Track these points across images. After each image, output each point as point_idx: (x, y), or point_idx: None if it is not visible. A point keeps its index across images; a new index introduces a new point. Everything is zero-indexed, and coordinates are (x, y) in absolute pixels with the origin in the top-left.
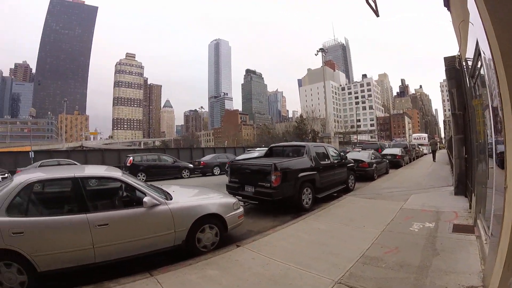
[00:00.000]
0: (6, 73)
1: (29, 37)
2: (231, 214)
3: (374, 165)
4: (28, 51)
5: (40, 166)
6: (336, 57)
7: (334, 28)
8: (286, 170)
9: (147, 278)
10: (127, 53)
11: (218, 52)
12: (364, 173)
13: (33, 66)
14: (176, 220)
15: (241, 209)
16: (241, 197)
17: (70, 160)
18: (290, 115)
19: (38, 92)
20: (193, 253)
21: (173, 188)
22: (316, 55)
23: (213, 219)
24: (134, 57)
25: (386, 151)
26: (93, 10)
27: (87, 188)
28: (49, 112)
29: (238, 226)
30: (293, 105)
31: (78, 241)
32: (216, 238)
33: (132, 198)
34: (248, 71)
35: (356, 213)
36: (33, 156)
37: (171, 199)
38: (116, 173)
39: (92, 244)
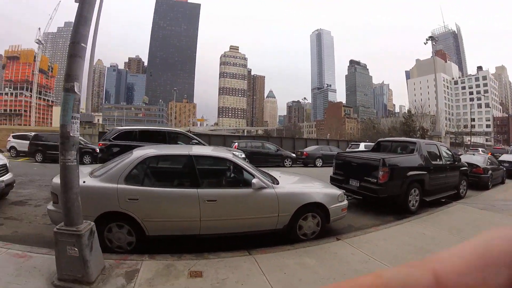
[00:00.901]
0: (121, 66)
1: (140, 34)
2: (335, 205)
3: (490, 171)
4: (139, 46)
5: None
6: (447, 46)
7: (443, 13)
8: (394, 167)
9: (246, 256)
10: (231, 46)
11: (320, 43)
12: (478, 180)
13: (145, 59)
14: (281, 204)
15: (346, 202)
16: (344, 191)
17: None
18: (397, 109)
19: (150, 82)
20: (292, 239)
21: (278, 173)
22: (425, 44)
23: (316, 208)
24: (238, 49)
25: (504, 157)
26: (196, 7)
27: (198, 166)
28: (160, 100)
29: (340, 219)
30: (400, 99)
31: (187, 212)
32: (317, 227)
33: (240, 179)
34: (352, 62)
35: (465, 224)
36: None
37: (277, 183)
38: (227, 154)
39: (199, 217)
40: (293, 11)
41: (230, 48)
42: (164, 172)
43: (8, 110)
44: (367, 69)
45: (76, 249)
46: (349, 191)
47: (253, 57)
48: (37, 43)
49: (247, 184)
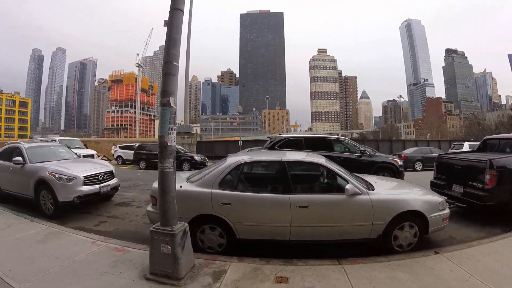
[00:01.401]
0: (215, 80)
1: (229, 49)
2: (435, 214)
3: None
4: (230, 60)
5: (248, 151)
6: None
7: None
8: (503, 169)
9: (335, 265)
10: (318, 49)
11: (411, 34)
12: None
13: (236, 71)
14: (376, 212)
15: (447, 211)
16: (446, 197)
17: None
18: (503, 101)
19: (243, 93)
20: (386, 250)
21: (374, 178)
22: None
23: (414, 217)
24: (326, 52)
25: None
26: (279, 16)
27: (291, 171)
28: (253, 109)
29: (441, 229)
30: (506, 89)
31: (278, 218)
32: (413, 238)
33: (333, 185)
34: (448, 51)
35: None
36: (241, 144)
37: (372, 189)
38: (320, 159)
39: (290, 222)
40: (377, 3)
41: (318, 52)
42: (257, 177)
43: (115, 125)
44: (466, 57)
45: (169, 247)
46: (452, 198)
47: (342, 57)
48: (137, 66)
49: (341, 190)
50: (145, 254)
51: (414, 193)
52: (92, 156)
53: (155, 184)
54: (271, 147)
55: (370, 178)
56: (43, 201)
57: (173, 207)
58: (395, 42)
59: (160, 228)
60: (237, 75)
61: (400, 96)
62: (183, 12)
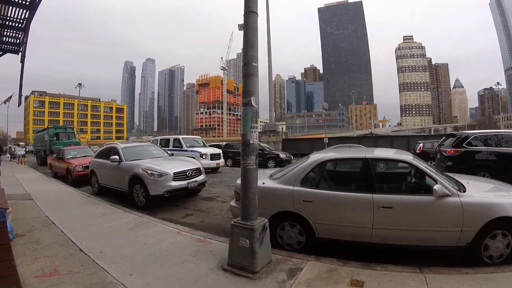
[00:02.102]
0: (298, 77)
1: (310, 44)
2: None
3: None
4: (313, 56)
5: (334, 149)
6: None
7: None
8: None
9: (416, 273)
10: (404, 36)
11: (502, 11)
12: None
13: (319, 67)
14: (466, 217)
15: None
16: None
17: (359, 145)
18: None
19: (327, 88)
20: (473, 261)
21: (468, 179)
22: None
23: (509, 225)
24: (412, 39)
25: None
26: (359, 5)
27: (375, 170)
28: (339, 104)
29: None
30: None
31: (359, 218)
32: (506, 250)
33: (420, 185)
34: None
35: None
36: (327, 141)
37: (464, 191)
38: (407, 157)
39: (372, 224)
40: None
41: (403, 39)
42: (339, 175)
43: (204, 125)
44: None
45: (247, 241)
46: None
47: (430, 44)
48: (221, 69)
49: (428, 190)
50: (225, 246)
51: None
52: (218, 155)
53: (239, 181)
54: (458, 145)
55: (463, 179)
56: (136, 194)
57: (254, 203)
58: (486, 21)
59: (240, 222)
60: (321, 71)
61: (497, 83)
62: (257, 14)
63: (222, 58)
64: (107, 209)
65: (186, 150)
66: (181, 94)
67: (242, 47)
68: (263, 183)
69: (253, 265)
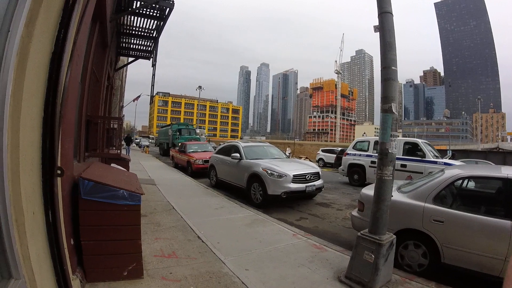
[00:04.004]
0: (417, 81)
1: (429, 45)
2: None
3: None
4: (431, 57)
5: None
6: None
7: None
8: None
9: None
10: None
11: None
12: None
13: (440, 69)
14: None
15: None
16: None
17: (487, 162)
18: None
19: (449, 93)
20: None
21: None
22: None
23: None
24: None
25: None
26: None
27: None
28: (463, 112)
29: None
30: None
31: (491, 247)
32: None
33: None
34: None
35: None
36: (450, 154)
37: None
38: None
39: (505, 255)
40: None
41: None
42: (475, 195)
43: (316, 129)
44: None
45: (372, 255)
46: None
47: None
48: (336, 73)
49: None
50: (342, 257)
51: None
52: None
53: (366, 190)
54: None
55: None
56: (253, 191)
57: (385, 216)
58: None
59: (368, 235)
60: (442, 74)
61: None
62: (392, 14)
63: (336, 61)
64: (224, 202)
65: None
66: (294, 97)
67: (355, 49)
68: (391, 196)
69: (373, 282)
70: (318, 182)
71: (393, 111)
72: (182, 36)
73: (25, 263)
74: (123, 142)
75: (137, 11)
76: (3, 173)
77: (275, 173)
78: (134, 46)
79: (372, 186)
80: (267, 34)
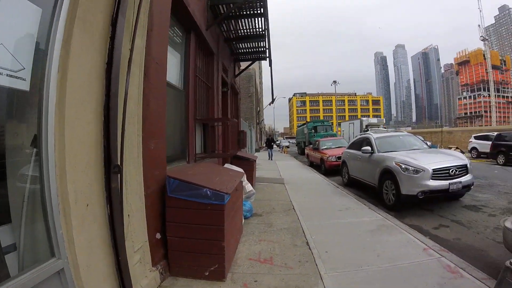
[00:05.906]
0: None
1: None
2: None
3: None
4: None
5: None
6: None
7: None
8: None
9: None
10: None
11: None
12: None
13: None
14: None
15: None
16: None
17: None
18: None
19: None
20: None
21: None
22: None
23: None
24: None
25: None
26: None
27: None
28: None
29: None
30: None
31: None
32: None
33: None
34: None
35: None
36: None
37: None
38: None
39: None
40: None
41: None
42: None
43: (468, 113)
44: None
45: None
46: None
47: None
48: (481, 40)
49: None
50: None
51: None
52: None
53: None
54: None
55: None
56: (385, 190)
57: None
58: None
59: None
60: None
61: None
62: None
63: (479, 26)
64: (351, 202)
65: None
66: (439, 78)
67: (498, 6)
68: None
69: None
70: (465, 178)
71: None
72: (312, 35)
73: (70, 247)
74: (264, 144)
75: (230, 14)
76: (48, 171)
77: (410, 167)
78: (248, 50)
79: None
80: (392, 10)
